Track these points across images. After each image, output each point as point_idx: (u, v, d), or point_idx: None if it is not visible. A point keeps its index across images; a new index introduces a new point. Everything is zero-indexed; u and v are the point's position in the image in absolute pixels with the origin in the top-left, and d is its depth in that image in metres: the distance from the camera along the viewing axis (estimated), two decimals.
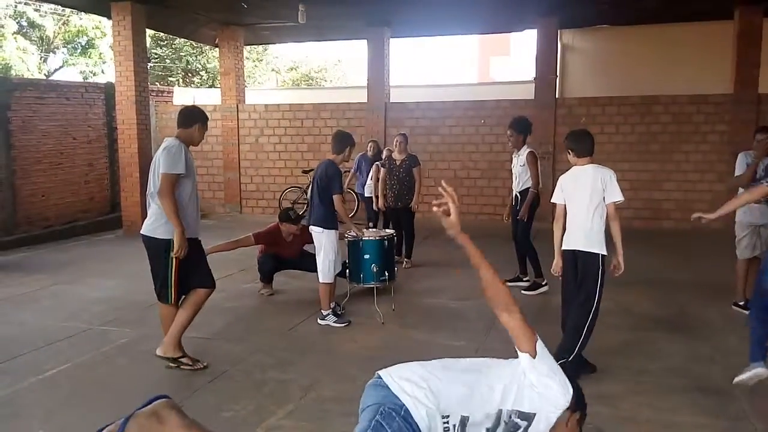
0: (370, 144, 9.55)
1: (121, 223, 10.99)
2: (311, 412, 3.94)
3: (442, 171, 11.99)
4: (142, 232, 4.50)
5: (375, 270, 6.04)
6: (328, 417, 3.85)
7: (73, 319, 5.92)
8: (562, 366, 3.98)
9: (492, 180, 11.76)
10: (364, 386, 2.55)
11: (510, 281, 6.92)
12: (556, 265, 4.52)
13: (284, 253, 6.66)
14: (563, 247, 4.43)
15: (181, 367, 4.55)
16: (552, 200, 4.53)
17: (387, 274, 6.08)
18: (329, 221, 5.62)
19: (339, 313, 5.76)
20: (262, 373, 4.57)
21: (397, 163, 7.88)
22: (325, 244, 5.61)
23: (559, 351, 4.27)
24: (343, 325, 5.62)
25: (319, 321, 5.69)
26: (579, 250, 4.30)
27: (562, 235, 4.44)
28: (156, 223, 4.41)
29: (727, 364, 4.50)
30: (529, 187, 6.63)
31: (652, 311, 6.02)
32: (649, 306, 6.19)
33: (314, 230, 5.66)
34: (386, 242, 6.22)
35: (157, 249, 4.38)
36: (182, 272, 4.45)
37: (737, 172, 5.97)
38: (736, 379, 4.06)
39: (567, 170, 4.51)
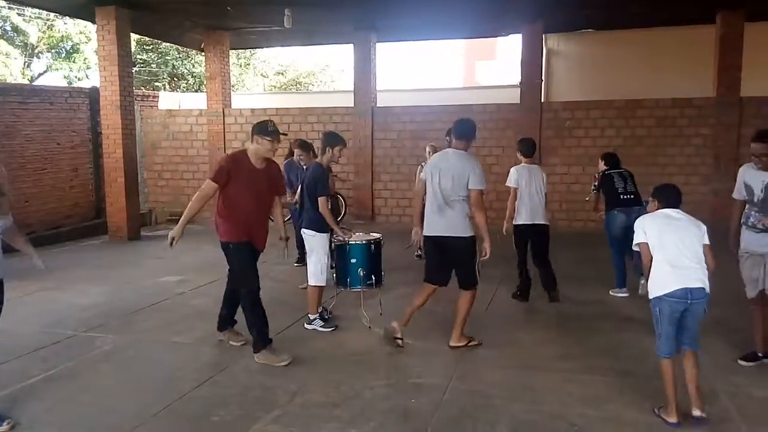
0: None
1: (106, 228, 10.90)
2: (298, 417, 3.94)
3: None
4: (445, 234, 4.93)
5: (362, 274, 6.02)
6: (315, 422, 3.85)
7: (58, 325, 5.87)
8: None
9: None
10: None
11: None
12: None
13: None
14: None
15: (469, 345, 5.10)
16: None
17: (374, 278, 6.07)
18: (321, 224, 5.60)
19: (326, 317, 5.75)
20: (249, 378, 4.55)
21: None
22: (316, 247, 5.60)
23: None
24: (329, 330, 5.61)
25: (306, 326, 5.68)
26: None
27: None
28: (463, 224, 4.92)
29: (712, 365, 4.54)
30: None
31: (637, 313, 6.04)
32: (633, 308, 6.22)
33: (306, 233, 5.65)
34: (373, 246, 6.21)
35: (466, 245, 4.92)
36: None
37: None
38: None
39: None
